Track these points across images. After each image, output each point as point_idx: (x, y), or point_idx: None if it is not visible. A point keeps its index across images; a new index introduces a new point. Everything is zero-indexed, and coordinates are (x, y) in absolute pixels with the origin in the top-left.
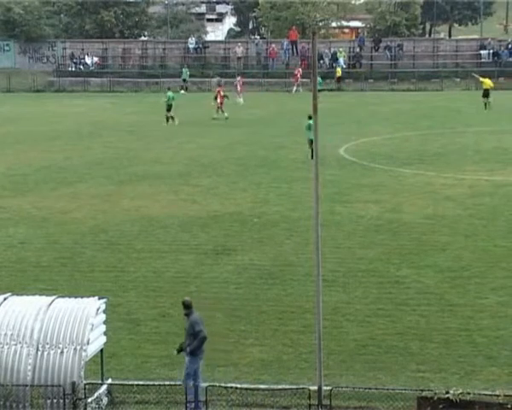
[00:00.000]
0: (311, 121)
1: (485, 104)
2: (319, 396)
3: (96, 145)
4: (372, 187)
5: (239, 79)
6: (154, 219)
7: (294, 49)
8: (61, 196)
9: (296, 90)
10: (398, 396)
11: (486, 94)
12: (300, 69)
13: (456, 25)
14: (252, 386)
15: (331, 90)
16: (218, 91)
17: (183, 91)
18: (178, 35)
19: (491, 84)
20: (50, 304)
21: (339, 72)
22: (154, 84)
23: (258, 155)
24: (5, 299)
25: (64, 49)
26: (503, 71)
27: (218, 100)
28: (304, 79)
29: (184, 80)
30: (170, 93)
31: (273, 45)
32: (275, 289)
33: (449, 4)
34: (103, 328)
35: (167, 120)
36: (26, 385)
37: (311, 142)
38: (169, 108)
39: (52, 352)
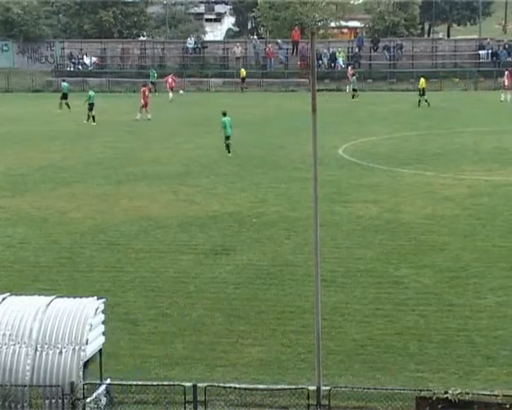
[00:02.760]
0: (224, 119)
1: (419, 102)
2: (318, 396)
3: (94, 145)
4: (371, 187)
5: (171, 76)
6: (153, 219)
7: (295, 50)
8: (59, 196)
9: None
10: (396, 396)
11: (423, 93)
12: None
13: (454, 25)
14: (250, 386)
15: (330, 90)
16: (143, 91)
17: (181, 91)
18: (177, 35)
19: (425, 84)
20: (49, 304)
21: (243, 72)
22: (152, 84)
23: (257, 155)
24: (4, 299)
25: (63, 49)
26: (501, 71)
27: (142, 100)
28: (303, 80)
29: (152, 82)
30: (91, 92)
31: (270, 45)
32: (273, 289)
33: (448, 4)
34: (102, 328)
35: (88, 119)
36: (25, 385)
37: (227, 138)
38: (91, 108)
39: (51, 352)
